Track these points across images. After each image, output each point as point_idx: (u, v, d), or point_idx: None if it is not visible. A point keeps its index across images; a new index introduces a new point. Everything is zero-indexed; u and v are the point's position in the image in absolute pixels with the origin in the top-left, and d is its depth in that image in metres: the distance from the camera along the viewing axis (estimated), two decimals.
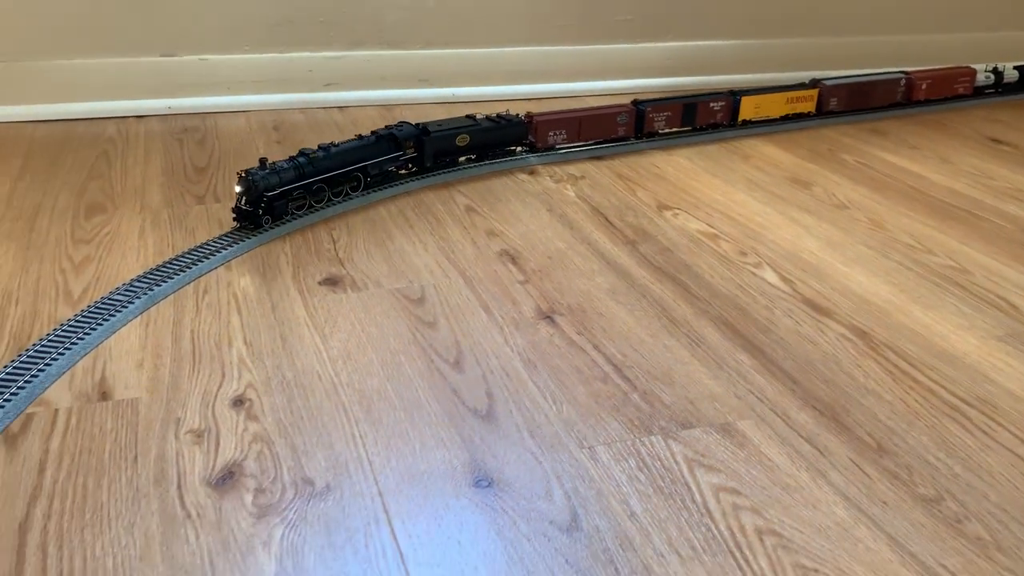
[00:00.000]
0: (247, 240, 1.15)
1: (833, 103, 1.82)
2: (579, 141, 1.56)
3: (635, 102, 1.62)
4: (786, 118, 1.78)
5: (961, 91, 2.00)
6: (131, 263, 1.10)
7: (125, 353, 0.90)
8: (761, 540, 0.68)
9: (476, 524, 0.69)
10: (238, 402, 0.83)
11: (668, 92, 1.85)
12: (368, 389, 0.86)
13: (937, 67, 2.01)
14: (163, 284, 1.03)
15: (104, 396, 0.83)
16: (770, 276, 1.13)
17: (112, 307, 0.98)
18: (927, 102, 1.96)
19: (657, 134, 1.64)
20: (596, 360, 0.92)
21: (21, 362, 0.87)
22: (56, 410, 0.81)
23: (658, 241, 1.22)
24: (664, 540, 0.68)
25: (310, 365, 0.90)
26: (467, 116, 1.46)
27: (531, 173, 1.47)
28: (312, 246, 1.17)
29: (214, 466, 0.74)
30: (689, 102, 1.64)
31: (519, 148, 1.52)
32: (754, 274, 1.13)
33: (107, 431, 0.78)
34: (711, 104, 1.67)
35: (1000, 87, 2.08)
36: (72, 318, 0.96)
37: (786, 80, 1.93)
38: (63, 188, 1.33)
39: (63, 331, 0.93)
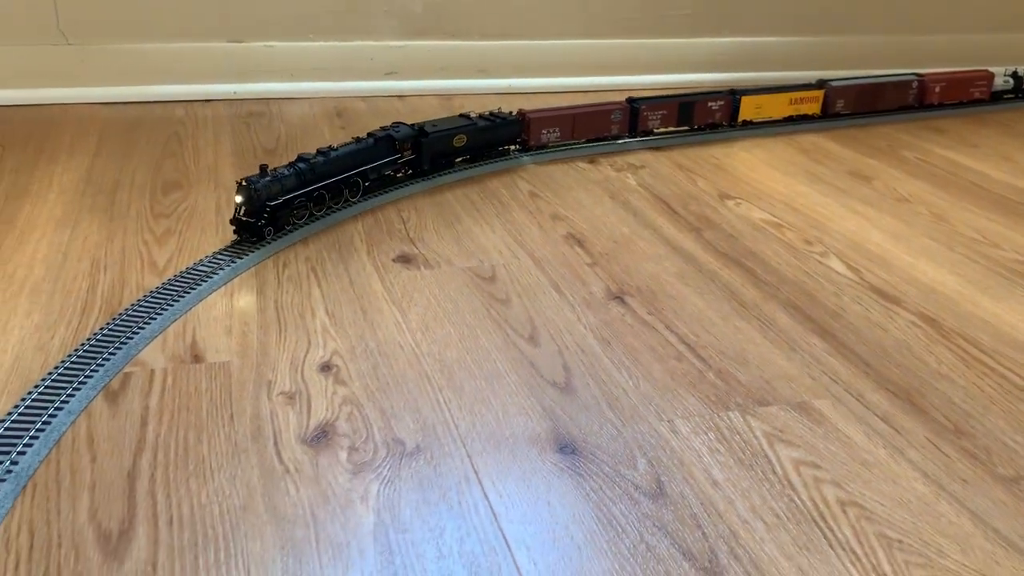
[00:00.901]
0: (322, 219, 1.19)
1: (840, 105, 1.76)
2: (572, 139, 1.51)
3: (630, 99, 1.57)
4: (791, 119, 1.73)
5: (978, 95, 1.93)
6: (210, 237, 1.13)
7: (213, 320, 0.94)
8: (844, 511, 0.69)
9: (564, 487, 0.71)
10: (326, 367, 0.86)
11: (720, 87, 1.86)
12: (448, 359, 0.88)
13: (952, 70, 1.95)
14: (244, 257, 1.06)
15: (196, 359, 0.86)
16: (836, 265, 1.14)
17: (197, 277, 1.01)
18: (941, 106, 1.89)
19: (652, 133, 1.60)
20: (669, 339, 0.94)
21: (115, 325, 0.91)
22: (152, 370, 0.84)
23: (722, 229, 1.23)
24: (748, 508, 0.69)
25: (391, 336, 0.92)
26: (461, 115, 1.41)
27: (591, 162, 1.49)
28: (383, 226, 1.20)
29: (308, 425, 0.77)
30: (685, 101, 1.60)
31: (512, 148, 1.47)
32: (820, 262, 1.14)
33: (202, 391, 0.81)
34: (709, 103, 1.63)
35: (1020, 92, 1.99)
36: (159, 286, 0.99)
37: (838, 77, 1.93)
38: (139, 166, 1.37)
39: (152, 298, 0.97)
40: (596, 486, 0.71)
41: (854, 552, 0.65)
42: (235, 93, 1.75)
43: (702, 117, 1.63)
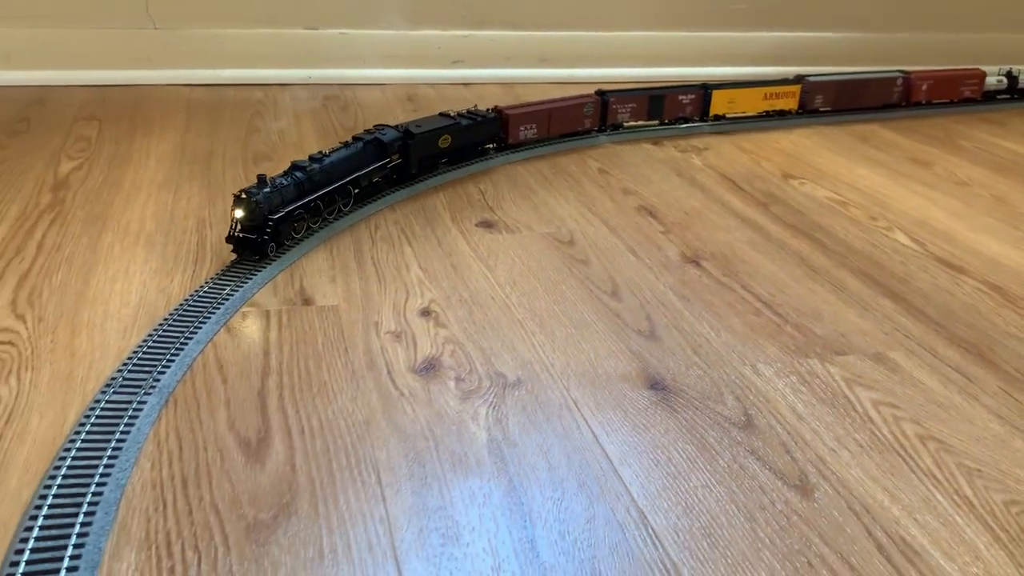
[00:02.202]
0: (407, 188, 1.25)
1: (818, 101, 1.73)
2: (548, 135, 1.47)
3: (599, 92, 1.54)
4: (767, 115, 1.70)
5: (968, 95, 1.89)
6: None
7: (316, 271, 1.00)
8: (924, 444, 0.74)
9: (658, 416, 0.76)
10: (425, 312, 0.92)
11: (776, 79, 1.90)
12: (537, 309, 0.94)
13: (940, 68, 1.91)
14: (339, 219, 1.13)
15: (307, 302, 0.93)
16: (901, 238, 1.18)
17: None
18: (929, 105, 1.85)
19: (621, 127, 1.57)
20: (746, 297, 0.99)
21: (227, 273, 0.98)
22: (267, 311, 0.91)
23: (788, 204, 1.28)
24: (833, 438, 0.74)
25: (481, 288, 0.98)
26: (441, 114, 1.34)
27: (655, 143, 1.55)
28: (463, 197, 1.26)
29: (416, 359, 0.83)
30: (655, 94, 1.57)
31: (491, 146, 1.42)
32: (886, 235, 1.18)
33: (316, 329, 0.88)
34: (679, 97, 1.60)
35: (1015, 92, 1.94)
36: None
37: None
38: (228, 140, 1.45)
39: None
40: (688, 417, 0.76)
41: (935, 478, 0.70)
42: (310, 78, 1.82)
43: (672, 111, 1.60)
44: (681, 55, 2.03)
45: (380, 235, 1.11)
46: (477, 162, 1.37)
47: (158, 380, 0.76)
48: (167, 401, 0.75)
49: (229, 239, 0.99)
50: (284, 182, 1.02)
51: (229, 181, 1.26)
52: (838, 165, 1.48)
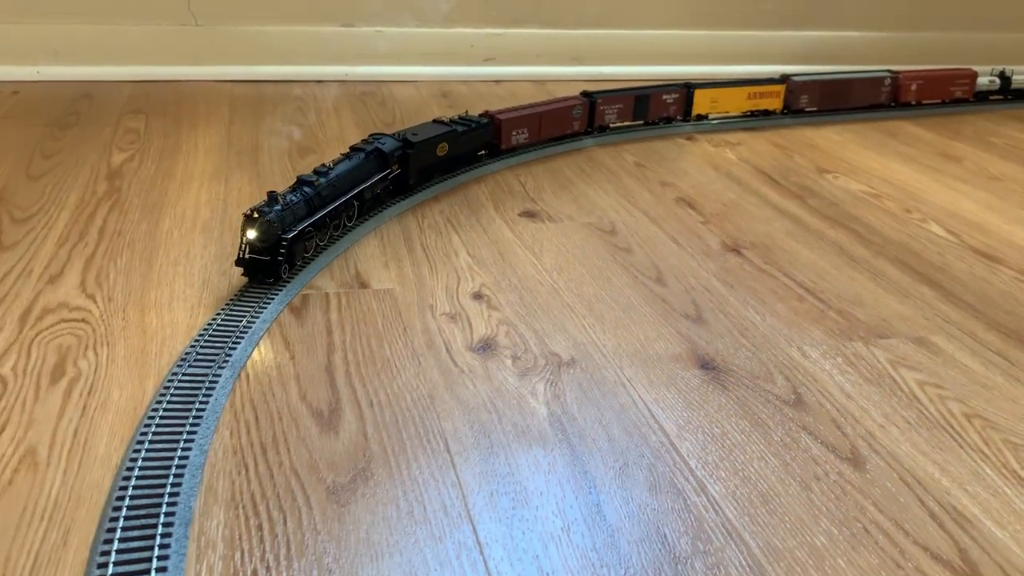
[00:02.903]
0: (453, 178, 1.28)
1: (803, 101, 1.71)
2: (539, 139, 1.43)
3: (585, 93, 1.51)
4: (752, 115, 1.69)
5: (959, 95, 1.86)
6: None
7: (369, 257, 1.03)
8: (970, 421, 0.76)
9: (711, 394, 0.79)
10: (477, 296, 0.95)
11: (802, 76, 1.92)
12: (585, 294, 0.97)
13: (930, 67, 1.89)
14: (387, 208, 1.16)
15: (363, 285, 0.96)
16: (936, 229, 1.20)
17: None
18: (919, 105, 1.83)
19: (608, 128, 1.54)
20: (788, 284, 1.01)
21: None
22: (326, 293, 0.94)
23: (823, 197, 1.30)
24: (881, 415, 0.76)
25: (529, 274, 1.01)
26: (435, 121, 1.28)
27: (689, 139, 1.57)
28: (504, 188, 1.29)
29: (472, 339, 0.86)
30: (641, 94, 1.54)
31: (482, 153, 1.37)
32: (921, 227, 1.20)
33: (374, 310, 0.91)
34: (664, 97, 1.57)
35: (1008, 93, 1.92)
36: None
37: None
38: (271, 134, 1.49)
39: None
40: (740, 395, 0.79)
41: (983, 452, 0.72)
42: (346, 75, 1.86)
43: (657, 111, 1.58)
44: (712, 53, 2.05)
45: (427, 224, 1.14)
46: (472, 169, 1.33)
47: (229, 356, 0.79)
48: (239, 375, 0.78)
49: (239, 262, 0.93)
50: (294, 198, 0.96)
51: (277, 173, 1.30)
52: (870, 160, 1.50)
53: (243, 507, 0.61)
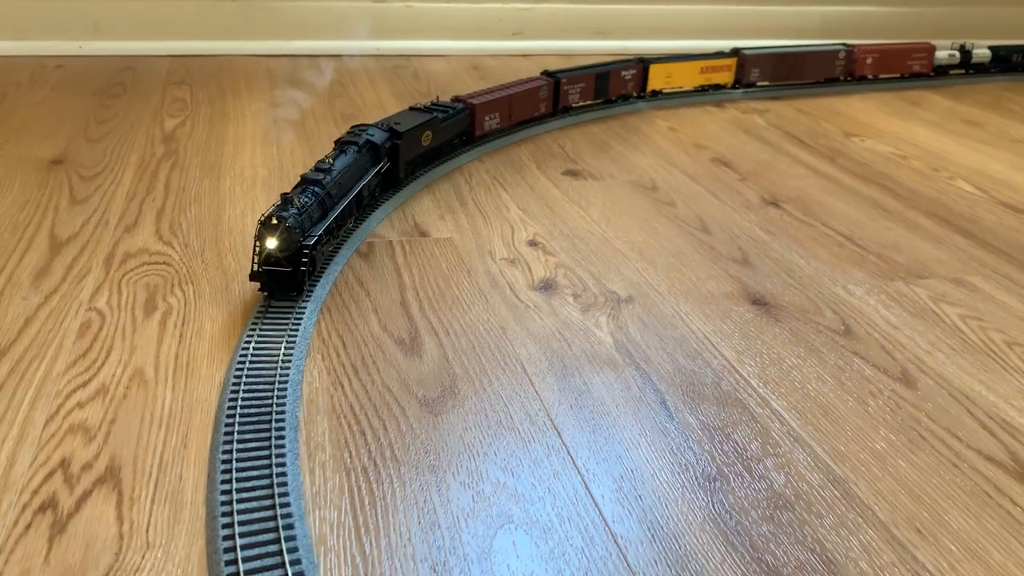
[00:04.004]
0: (493, 142, 1.33)
1: (755, 74, 1.69)
2: (510, 123, 1.36)
3: (546, 72, 1.45)
4: (703, 90, 1.67)
5: (918, 69, 1.84)
6: None
7: (425, 210, 1.08)
8: (1011, 348, 0.81)
9: (765, 326, 0.83)
10: (532, 243, 1.00)
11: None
12: (635, 241, 1.01)
13: (887, 41, 1.87)
14: (436, 168, 1.21)
15: (423, 234, 1.01)
16: (964, 186, 1.24)
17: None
18: (876, 80, 1.81)
19: (571, 109, 1.49)
20: (828, 233, 1.06)
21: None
22: (390, 240, 0.99)
23: (853, 157, 1.35)
24: (927, 342, 0.81)
25: (579, 225, 1.05)
26: (412, 109, 1.19)
27: (717, 106, 1.61)
28: (544, 151, 1.33)
29: (533, 279, 0.90)
30: (601, 71, 1.49)
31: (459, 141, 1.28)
32: (949, 183, 1.25)
33: (437, 255, 0.95)
34: (622, 73, 1.53)
35: (969, 67, 1.91)
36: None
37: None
38: (315, 103, 1.53)
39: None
40: (793, 326, 0.83)
41: None
42: (378, 49, 1.90)
43: (616, 88, 1.53)
44: (734, 27, 2.09)
45: (475, 182, 1.18)
46: (451, 158, 1.25)
47: (311, 292, 0.84)
48: (321, 309, 0.82)
49: (254, 276, 0.81)
50: (308, 200, 0.86)
51: (324, 135, 1.34)
52: (894, 125, 1.54)
53: (344, 417, 0.66)
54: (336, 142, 1.01)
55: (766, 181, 1.23)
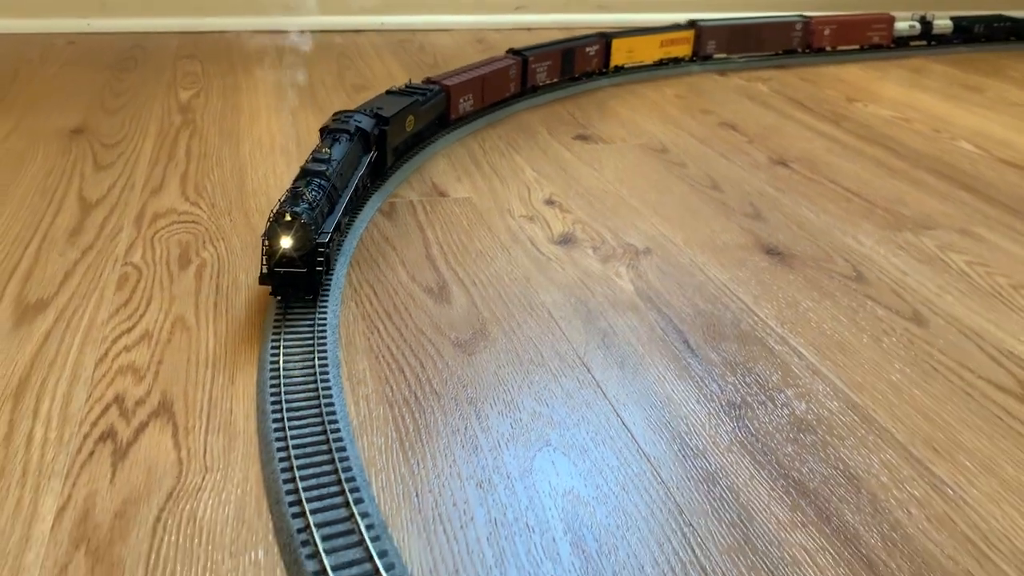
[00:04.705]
0: (505, 108, 1.35)
1: (711, 46, 1.67)
2: (483, 105, 1.30)
3: (512, 51, 1.40)
4: (661, 64, 1.64)
5: (877, 40, 1.83)
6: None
7: (441, 172, 1.10)
8: (1016, 291, 0.84)
9: (780, 273, 0.86)
10: (549, 202, 1.02)
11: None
12: (649, 199, 1.04)
13: (846, 12, 1.85)
14: (450, 133, 1.23)
15: (442, 195, 1.03)
16: (966, 146, 1.27)
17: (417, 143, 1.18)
18: (836, 52, 1.79)
19: (539, 88, 1.44)
20: (835, 189, 1.08)
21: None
22: (410, 200, 1.01)
23: (856, 121, 1.37)
24: (935, 287, 0.84)
25: (594, 184, 1.08)
26: (388, 92, 1.13)
27: (721, 74, 1.64)
28: (554, 117, 1.36)
29: (552, 234, 0.93)
30: (567, 48, 1.45)
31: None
32: (951, 144, 1.28)
33: (457, 213, 0.98)
34: (586, 49, 1.49)
35: (930, 39, 1.90)
36: None
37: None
38: (323, 75, 1.55)
39: None
40: (807, 273, 0.86)
41: None
42: (382, 24, 1.92)
43: (582, 64, 1.50)
44: (736, 1, 2.11)
45: (488, 146, 1.21)
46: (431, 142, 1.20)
47: (340, 244, 0.86)
48: (350, 262, 0.85)
49: (265, 279, 0.73)
50: (317, 194, 0.78)
51: (337, 106, 1.36)
52: (896, 92, 1.57)
53: (382, 356, 0.69)
54: (323, 130, 0.94)
55: (773, 143, 1.25)
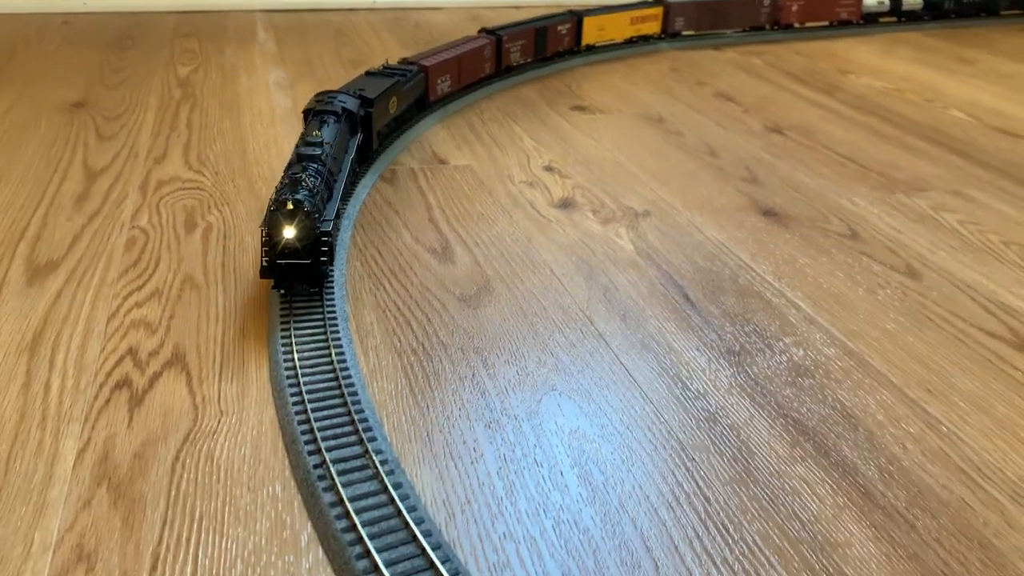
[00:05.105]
0: (503, 80, 1.36)
1: (679, 23, 1.67)
2: (459, 86, 1.26)
3: (484, 30, 1.36)
4: (631, 42, 1.62)
5: (846, 16, 1.82)
6: None
7: (441, 141, 1.12)
8: (1007, 247, 0.85)
9: (777, 233, 0.88)
10: (548, 168, 1.03)
11: None
12: (648, 165, 1.05)
13: None
14: (448, 104, 1.24)
15: (442, 161, 1.04)
16: (957, 114, 1.29)
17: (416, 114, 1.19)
18: (804, 28, 1.78)
19: (514, 68, 1.40)
20: (830, 155, 1.10)
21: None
22: (411, 167, 1.02)
23: (850, 91, 1.39)
24: (928, 243, 0.86)
25: (592, 152, 1.09)
26: (368, 73, 1.08)
27: (716, 48, 1.65)
28: (551, 89, 1.37)
29: (552, 198, 0.95)
30: (540, 26, 1.42)
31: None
32: (943, 112, 1.29)
33: (458, 180, 0.99)
34: (558, 28, 1.46)
35: (900, 15, 1.90)
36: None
37: None
38: (320, 51, 1.56)
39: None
40: (803, 232, 0.88)
41: (1022, 267, 0.81)
42: (374, 3, 1.92)
43: (554, 43, 1.47)
44: None
45: (487, 117, 1.22)
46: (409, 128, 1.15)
47: (343, 211, 0.87)
48: (354, 225, 0.86)
49: (267, 272, 0.69)
50: (315, 180, 0.73)
51: (335, 80, 1.37)
52: (888, 64, 1.58)
53: (389, 311, 0.70)
54: (307, 112, 0.90)
55: (768, 112, 1.27)
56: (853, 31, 1.82)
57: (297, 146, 0.79)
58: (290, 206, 0.67)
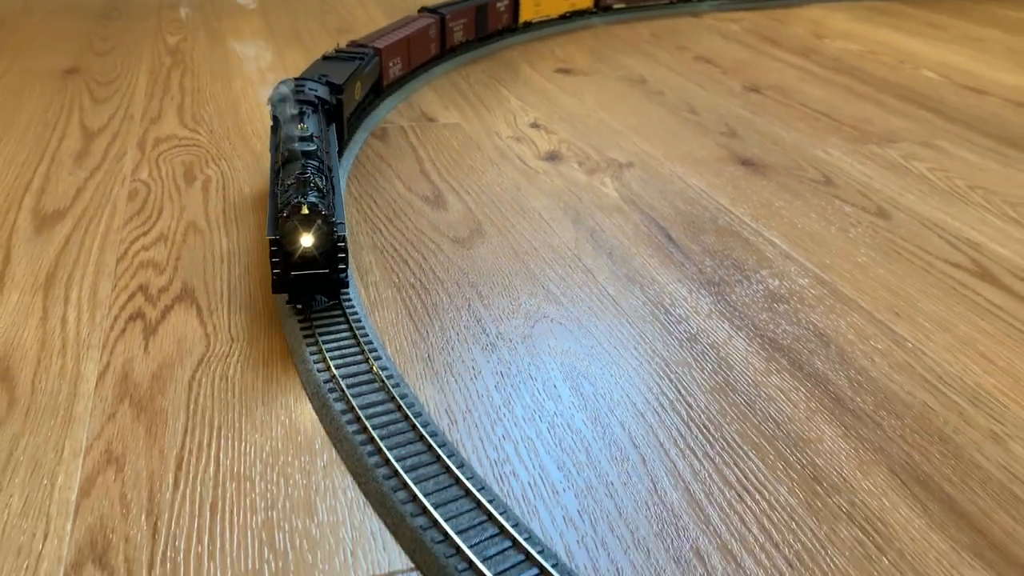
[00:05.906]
0: (488, 45, 1.39)
1: None
2: (409, 69, 1.21)
3: (424, 9, 1.32)
4: (565, 18, 1.61)
5: None
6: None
7: (429, 102, 1.14)
8: (972, 190, 0.90)
9: (754, 180, 0.91)
10: (535, 125, 1.07)
11: None
12: (631, 123, 1.09)
13: None
14: (436, 67, 1.27)
15: (431, 120, 1.07)
16: (929, 74, 1.33)
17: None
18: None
19: (457, 48, 1.36)
20: (805, 111, 1.14)
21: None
22: (401, 126, 1.05)
23: (825, 55, 1.43)
24: (898, 188, 0.90)
25: (576, 111, 1.13)
26: (324, 58, 1.01)
27: (695, 16, 1.69)
28: (536, 54, 1.40)
29: (539, 152, 0.98)
30: (480, 4, 1.38)
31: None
32: (915, 72, 1.34)
33: (447, 136, 1.02)
34: (497, 5, 1.43)
35: None
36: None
37: None
38: (307, 21, 1.58)
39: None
40: (779, 179, 0.92)
41: (985, 207, 0.86)
42: None
43: (494, 21, 1.44)
44: None
45: (473, 80, 1.25)
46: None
47: (338, 162, 0.90)
48: (349, 176, 0.89)
49: (279, 286, 0.61)
50: (321, 181, 0.65)
51: (321, 48, 1.39)
52: (862, 29, 1.62)
53: (386, 252, 0.74)
54: (278, 102, 0.77)
55: (747, 74, 1.30)
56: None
57: (285, 141, 0.70)
58: (306, 211, 0.59)
